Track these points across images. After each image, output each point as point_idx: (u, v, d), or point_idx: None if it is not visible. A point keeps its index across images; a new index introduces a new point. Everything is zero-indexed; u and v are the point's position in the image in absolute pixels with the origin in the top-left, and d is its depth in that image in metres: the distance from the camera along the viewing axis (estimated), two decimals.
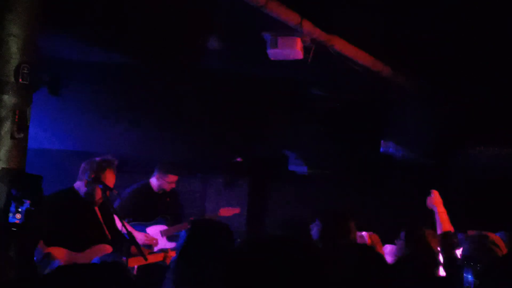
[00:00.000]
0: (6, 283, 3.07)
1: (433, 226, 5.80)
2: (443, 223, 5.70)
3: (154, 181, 7.87)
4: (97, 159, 6.03)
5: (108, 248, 5.93)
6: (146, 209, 7.71)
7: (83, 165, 6.04)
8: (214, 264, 3.02)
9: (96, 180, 5.80)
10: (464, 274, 3.23)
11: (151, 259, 6.43)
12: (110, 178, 5.95)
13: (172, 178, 7.84)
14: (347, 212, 5.64)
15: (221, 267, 2.07)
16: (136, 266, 6.45)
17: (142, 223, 7.58)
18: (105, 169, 5.93)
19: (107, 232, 6.09)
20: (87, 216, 5.98)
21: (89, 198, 5.95)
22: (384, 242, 6.33)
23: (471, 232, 5.51)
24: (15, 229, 3.10)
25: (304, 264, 2.04)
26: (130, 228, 7.11)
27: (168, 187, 7.86)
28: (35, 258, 5.33)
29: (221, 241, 3.16)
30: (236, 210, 8.31)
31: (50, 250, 5.59)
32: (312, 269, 2.06)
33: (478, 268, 3.20)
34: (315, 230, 5.38)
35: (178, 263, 3.15)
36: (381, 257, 3.20)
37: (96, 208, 6.09)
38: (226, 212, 8.14)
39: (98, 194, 5.90)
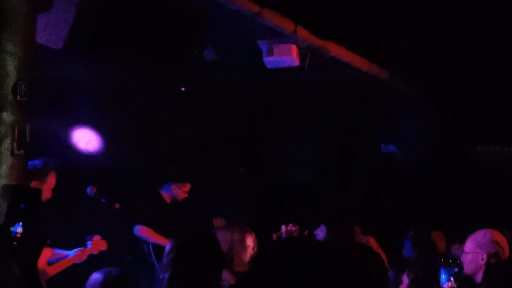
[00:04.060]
0: None
1: (436, 226, 5.80)
2: None
3: (167, 192, 7.85)
4: None
5: None
6: (161, 221, 7.65)
7: None
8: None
9: None
10: (441, 274, 3.22)
11: None
12: None
13: (189, 186, 7.89)
14: (351, 216, 5.66)
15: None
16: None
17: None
18: None
19: None
20: None
21: None
22: (389, 244, 6.32)
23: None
24: (16, 242, 3.15)
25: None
26: None
27: (182, 196, 7.86)
28: None
29: (205, 259, 3.19)
30: (223, 222, 8.19)
31: None
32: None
33: (455, 270, 3.19)
34: (320, 235, 5.39)
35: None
36: (380, 258, 3.22)
37: None
38: (218, 223, 8.10)
39: None
